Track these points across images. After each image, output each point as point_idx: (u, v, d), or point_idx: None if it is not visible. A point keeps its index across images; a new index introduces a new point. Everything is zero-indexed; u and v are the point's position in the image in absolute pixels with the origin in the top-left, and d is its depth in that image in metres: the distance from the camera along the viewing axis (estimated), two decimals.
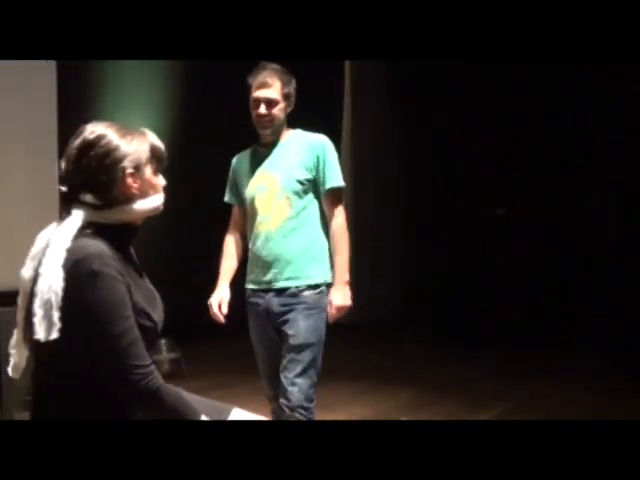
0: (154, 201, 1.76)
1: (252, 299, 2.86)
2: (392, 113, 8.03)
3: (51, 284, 1.57)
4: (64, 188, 1.69)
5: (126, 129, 1.73)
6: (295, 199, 2.78)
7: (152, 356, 1.69)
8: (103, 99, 5.72)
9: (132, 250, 1.81)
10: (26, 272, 1.69)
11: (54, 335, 1.56)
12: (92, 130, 1.69)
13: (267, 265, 2.79)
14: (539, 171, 7.22)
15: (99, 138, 1.68)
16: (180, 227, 6.08)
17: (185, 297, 4.93)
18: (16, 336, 1.76)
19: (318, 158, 2.81)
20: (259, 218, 2.82)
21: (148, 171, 1.74)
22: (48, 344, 1.57)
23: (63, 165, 1.71)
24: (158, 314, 1.77)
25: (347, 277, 2.78)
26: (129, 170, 1.69)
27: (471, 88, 7.27)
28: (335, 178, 2.82)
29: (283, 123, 2.87)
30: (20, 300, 1.72)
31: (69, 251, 1.60)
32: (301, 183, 2.79)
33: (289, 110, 2.87)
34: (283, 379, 2.70)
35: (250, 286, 2.88)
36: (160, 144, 1.79)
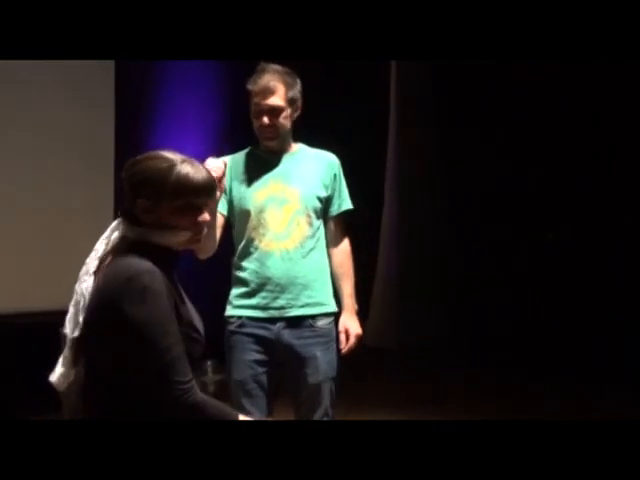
0: (176, 235, 1.74)
1: (249, 329, 2.51)
2: (439, 125, 7.80)
3: (84, 287, 1.68)
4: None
5: (191, 162, 1.75)
6: (314, 217, 2.56)
7: (199, 377, 1.67)
8: (160, 104, 5.77)
9: (176, 277, 1.81)
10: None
11: (76, 333, 1.66)
12: (155, 154, 1.75)
13: (280, 289, 2.49)
14: (593, 194, 7.04)
15: (156, 161, 1.73)
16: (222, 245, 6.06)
17: None
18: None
19: (335, 177, 2.64)
20: (270, 234, 2.51)
21: (173, 203, 1.72)
22: (99, 358, 1.65)
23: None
24: (202, 333, 1.81)
25: (356, 305, 2.68)
26: (166, 201, 1.71)
27: (523, 102, 7.15)
28: (348, 200, 2.69)
29: (290, 131, 2.60)
30: None
31: (119, 268, 1.66)
32: (320, 201, 2.59)
33: (296, 115, 2.59)
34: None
35: (249, 313, 2.52)
36: (207, 182, 1.76)
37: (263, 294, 2.51)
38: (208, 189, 1.76)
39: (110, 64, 4.96)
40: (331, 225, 2.64)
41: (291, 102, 2.54)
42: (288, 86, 2.53)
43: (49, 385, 1.73)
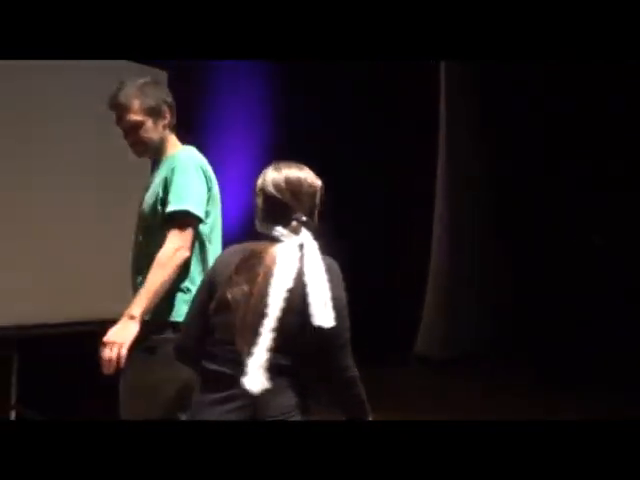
0: None
1: None
2: (487, 133, 7.71)
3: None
4: (303, 216, 2.03)
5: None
6: (153, 227, 2.44)
7: None
8: (209, 108, 5.83)
9: None
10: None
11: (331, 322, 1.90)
12: (313, 175, 2.10)
13: None
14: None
15: (319, 182, 2.11)
16: None
17: None
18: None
19: (166, 180, 2.42)
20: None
21: None
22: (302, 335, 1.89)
23: (296, 199, 2.03)
24: None
25: (132, 310, 2.28)
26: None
27: (575, 103, 7.03)
28: (175, 200, 2.38)
29: (162, 140, 2.53)
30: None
31: (333, 264, 2.01)
32: (154, 210, 2.44)
33: (166, 122, 2.53)
34: None
35: None
36: None
37: None
38: None
39: (163, 75, 5.00)
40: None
41: (151, 112, 2.49)
42: (143, 96, 2.47)
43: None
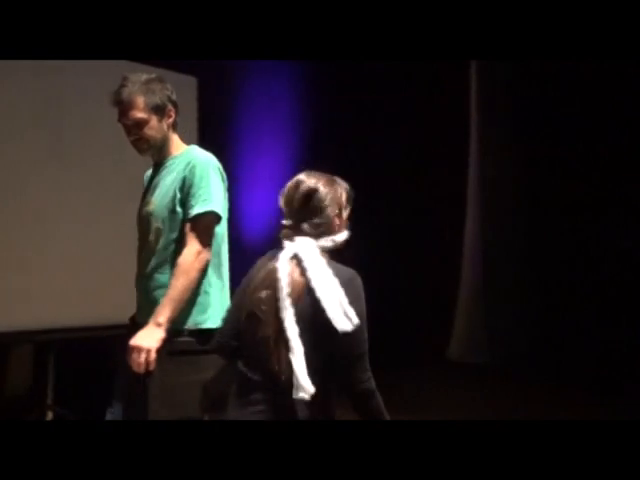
0: (344, 235, 2.08)
1: None
2: (521, 132, 7.55)
3: (329, 286, 1.90)
4: (290, 221, 2.02)
5: (329, 177, 2.10)
6: (167, 230, 2.42)
7: None
8: (243, 115, 5.86)
9: None
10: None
11: (356, 321, 1.88)
12: (315, 180, 2.06)
13: (140, 304, 2.53)
14: None
15: (319, 186, 2.04)
16: None
17: None
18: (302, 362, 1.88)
19: (184, 180, 2.39)
20: (140, 249, 2.53)
21: (345, 213, 2.10)
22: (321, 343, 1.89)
23: (288, 205, 2.04)
24: None
25: (159, 318, 2.28)
26: (336, 211, 2.05)
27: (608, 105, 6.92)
28: (201, 202, 2.36)
29: (166, 139, 2.49)
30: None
31: (335, 271, 1.94)
32: (172, 212, 2.41)
33: (171, 120, 2.50)
34: None
35: None
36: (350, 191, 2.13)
37: None
38: None
39: (192, 80, 5.02)
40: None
41: (156, 109, 2.45)
42: (149, 93, 2.44)
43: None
